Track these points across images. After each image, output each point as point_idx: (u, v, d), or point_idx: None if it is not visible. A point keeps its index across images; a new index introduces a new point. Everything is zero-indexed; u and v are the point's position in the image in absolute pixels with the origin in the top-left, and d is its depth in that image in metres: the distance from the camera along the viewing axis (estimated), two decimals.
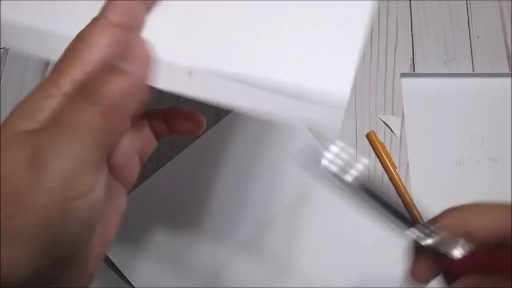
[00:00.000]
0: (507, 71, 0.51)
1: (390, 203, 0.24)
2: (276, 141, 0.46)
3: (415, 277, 0.25)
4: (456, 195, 0.45)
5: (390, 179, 0.46)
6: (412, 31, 0.53)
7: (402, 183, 0.45)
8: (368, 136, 0.48)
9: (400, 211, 0.24)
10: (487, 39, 0.52)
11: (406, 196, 0.45)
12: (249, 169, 0.46)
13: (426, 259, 0.24)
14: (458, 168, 0.48)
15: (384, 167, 0.47)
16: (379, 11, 0.54)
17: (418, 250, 0.25)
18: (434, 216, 0.24)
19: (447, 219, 0.24)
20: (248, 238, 0.43)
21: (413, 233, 0.24)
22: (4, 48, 0.53)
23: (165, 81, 0.21)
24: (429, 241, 0.23)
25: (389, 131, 0.48)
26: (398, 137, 0.48)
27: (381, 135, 0.48)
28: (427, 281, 0.25)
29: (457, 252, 0.23)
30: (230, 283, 0.42)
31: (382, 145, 0.47)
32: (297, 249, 0.43)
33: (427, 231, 0.24)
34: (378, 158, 0.47)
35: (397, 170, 0.46)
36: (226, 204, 0.44)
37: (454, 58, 0.51)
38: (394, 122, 0.48)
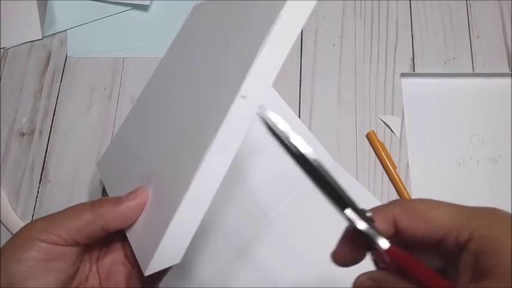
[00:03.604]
0: (507, 71, 0.51)
1: (331, 182, 0.24)
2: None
3: (334, 258, 0.25)
4: (456, 195, 0.45)
5: (390, 179, 0.46)
6: (412, 31, 0.53)
7: (402, 183, 0.45)
8: (368, 136, 0.48)
9: (339, 191, 0.24)
10: (487, 39, 0.52)
11: (406, 196, 0.45)
12: (246, 170, 0.46)
13: (352, 243, 0.24)
14: (458, 168, 0.48)
15: (383, 167, 0.47)
16: (379, 11, 0.54)
17: (349, 233, 0.24)
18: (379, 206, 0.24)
19: (380, 210, 0.23)
20: (248, 238, 0.43)
21: (348, 215, 0.23)
22: (4, 48, 0.53)
23: None
24: (361, 226, 0.23)
25: (390, 131, 0.48)
26: (398, 137, 0.48)
27: (381, 135, 0.48)
28: (345, 264, 0.24)
29: (384, 244, 0.22)
30: (229, 283, 0.42)
31: (382, 145, 0.47)
32: (296, 249, 0.43)
33: (361, 216, 0.23)
34: (378, 158, 0.47)
35: (397, 170, 0.46)
36: (227, 206, 0.44)
37: (454, 58, 0.51)
38: (394, 122, 0.48)
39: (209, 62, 0.33)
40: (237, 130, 0.26)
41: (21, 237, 0.27)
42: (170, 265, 0.27)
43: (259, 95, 0.27)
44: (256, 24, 0.28)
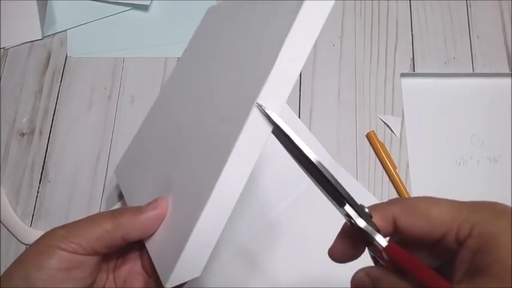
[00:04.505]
0: (507, 71, 0.51)
1: (329, 178, 0.24)
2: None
3: (331, 254, 0.24)
4: (456, 195, 0.44)
5: (390, 179, 0.46)
6: (412, 31, 0.53)
7: (402, 183, 0.45)
8: (368, 136, 0.48)
9: (337, 187, 0.24)
10: (487, 39, 0.52)
11: (406, 196, 0.45)
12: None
13: (350, 240, 0.24)
14: (458, 168, 0.48)
15: (383, 167, 0.47)
16: (379, 11, 0.54)
17: (347, 229, 0.24)
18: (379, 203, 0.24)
19: (379, 209, 0.23)
20: (248, 238, 0.43)
21: (346, 211, 0.23)
22: (4, 48, 0.53)
23: None
24: (360, 222, 0.23)
25: (390, 131, 0.48)
26: (398, 137, 0.48)
27: (381, 135, 0.48)
28: (342, 260, 0.24)
29: (382, 242, 0.22)
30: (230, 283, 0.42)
31: (382, 145, 0.47)
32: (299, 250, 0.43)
33: (360, 212, 0.23)
34: (378, 158, 0.47)
35: (397, 170, 0.46)
36: None
37: (454, 58, 0.51)
38: (394, 122, 0.48)
39: (225, 68, 0.32)
40: (255, 139, 0.26)
41: (42, 245, 0.26)
42: (191, 278, 0.27)
43: (278, 101, 0.26)
44: (273, 27, 0.27)
